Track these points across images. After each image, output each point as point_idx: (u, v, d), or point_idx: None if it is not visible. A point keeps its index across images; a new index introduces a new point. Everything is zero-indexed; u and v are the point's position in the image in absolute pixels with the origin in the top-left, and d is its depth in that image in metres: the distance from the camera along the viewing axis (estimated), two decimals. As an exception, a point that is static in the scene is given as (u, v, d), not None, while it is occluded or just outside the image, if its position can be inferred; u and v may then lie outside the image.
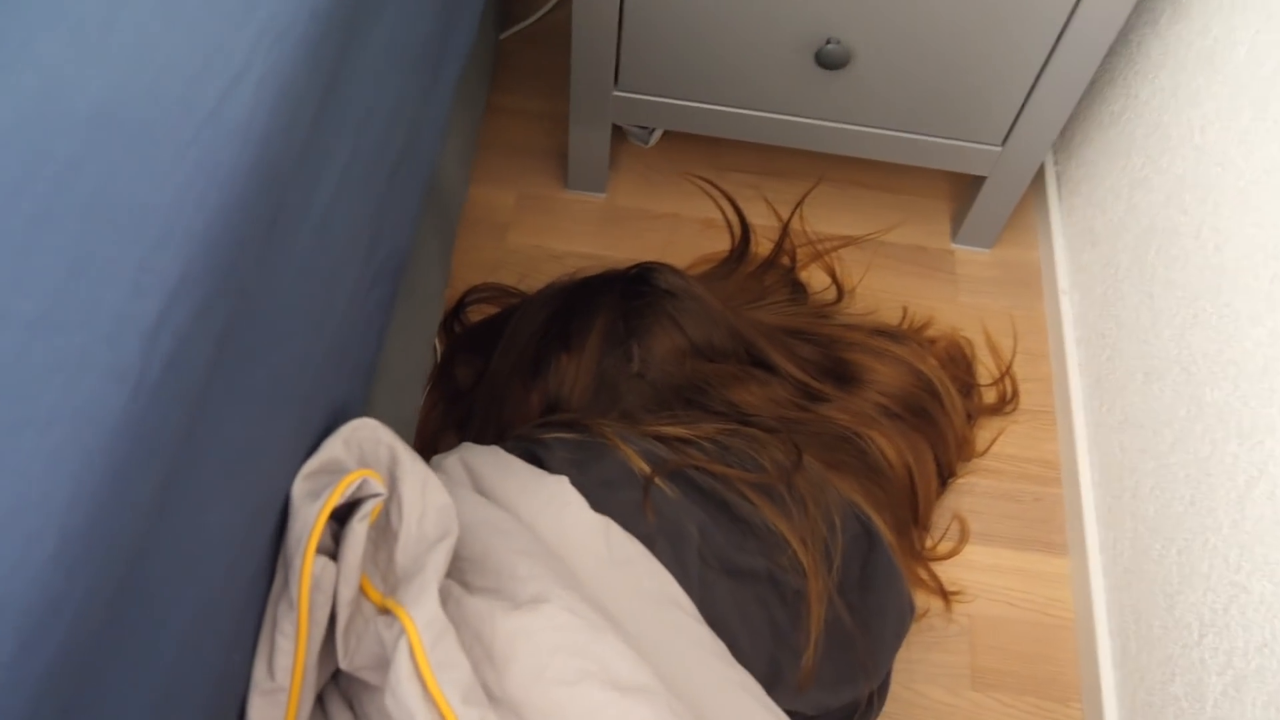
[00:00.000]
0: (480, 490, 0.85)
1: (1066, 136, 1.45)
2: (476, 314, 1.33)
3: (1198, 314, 1.08)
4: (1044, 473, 1.31)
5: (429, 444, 1.23)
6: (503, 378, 1.13)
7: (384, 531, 0.71)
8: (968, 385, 1.33)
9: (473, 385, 1.23)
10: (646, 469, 0.89)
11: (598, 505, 0.84)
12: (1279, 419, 0.92)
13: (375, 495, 0.67)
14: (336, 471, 0.68)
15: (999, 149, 1.30)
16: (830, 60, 1.20)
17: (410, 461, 0.73)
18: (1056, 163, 1.48)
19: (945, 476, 1.27)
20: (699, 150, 1.51)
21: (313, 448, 0.69)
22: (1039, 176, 1.51)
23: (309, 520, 0.63)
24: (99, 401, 0.47)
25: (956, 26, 1.16)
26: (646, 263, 1.17)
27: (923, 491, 1.19)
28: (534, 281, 1.37)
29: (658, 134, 1.49)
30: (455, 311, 1.33)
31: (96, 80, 0.51)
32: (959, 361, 1.35)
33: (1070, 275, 1.39)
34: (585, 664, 0.68)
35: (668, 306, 1.11)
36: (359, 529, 0.66)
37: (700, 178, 1.47)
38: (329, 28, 0.59)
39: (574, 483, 0.85)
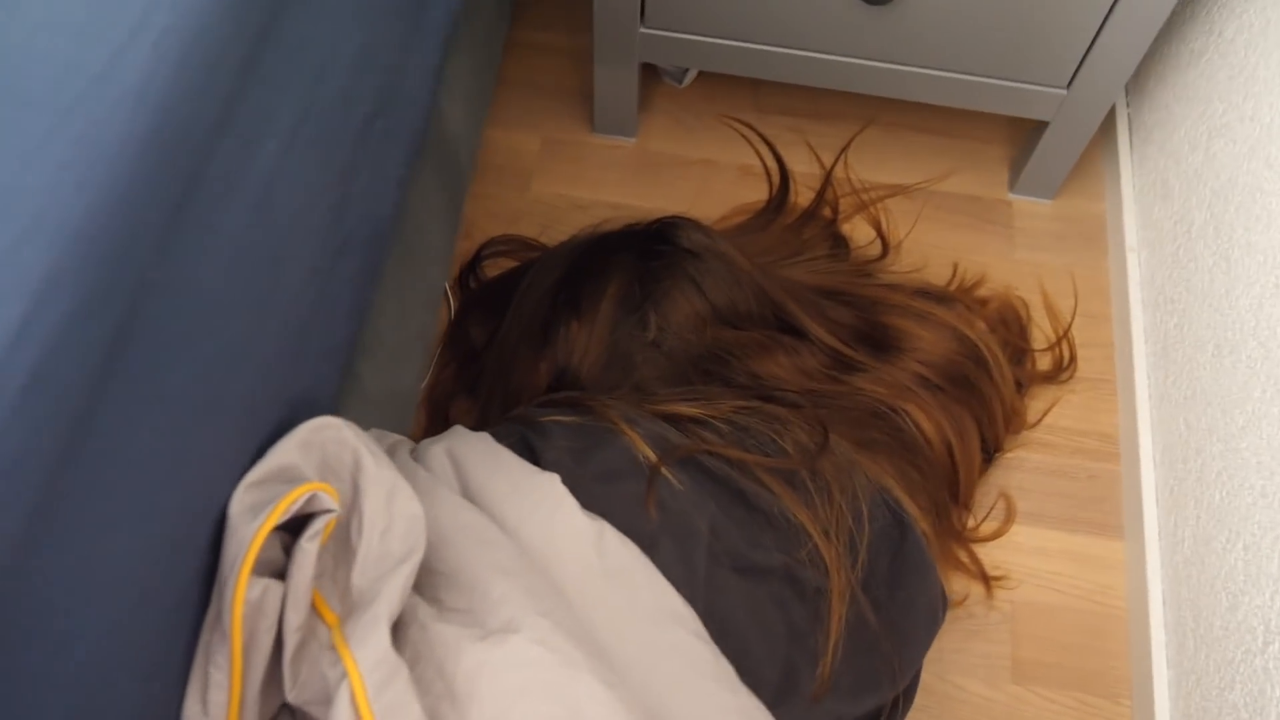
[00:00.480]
0: (465, 488, 0.78)
1: (1140, 77, 1.32)
2: (494, 268, 1.25)
3: (1280, 283, 0.97)
4: (1101, 448, 1.21)
5: (439, 409, 1.16)
6: (511, 344, 1.06)
7: (344, 545, 0.64)
8: (1020, 350, 1.23)
9: (485, 346, 1.15)
10: (653, 457, 0.81)
11: (594, 503, 0.76)
12: (1368, 410, 0.82)
13: (328, 511, 0.60)
14: (290, 480, 0.61)
15: (1064, 92, 1.18)
16: (876, -7, 1.08)
17: (376, 468, 0.66)
18: (1129, 105, 1.35)
19: (991, 451, 1.18)
20: (738, 91, 1.40)
21: (262, 450, 0.62)
22: (1108, 121, 1.38)
23: (245, 540, 0.56)
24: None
25: (1017, -43, 1.04)
26: (667, 217, 1.08)
27: (964, 469, 1.10)
28: (556, 233, 1.29)
29: (692, 74, 1.39)
30: (471, 265, 1.25)
31: (-41, 37, 0.44)
32: (1011, 324, 1.24)
33: (1139, 231, 1.27)
34: (552, 709, 0.60)
35: (688, 267, 1.02)
36: (308, 549, 0.59)
37: (737, 120, 1.37)
38: (255, -30, 0.51)
39: (568, 479, 0.77)
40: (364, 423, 0.86)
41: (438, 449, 0.82)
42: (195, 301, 0.52)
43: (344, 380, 0.81)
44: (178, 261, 0.50)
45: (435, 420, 1.16)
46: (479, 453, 0.80)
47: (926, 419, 1.05)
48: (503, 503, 0.75)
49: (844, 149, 1.35)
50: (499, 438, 0.83)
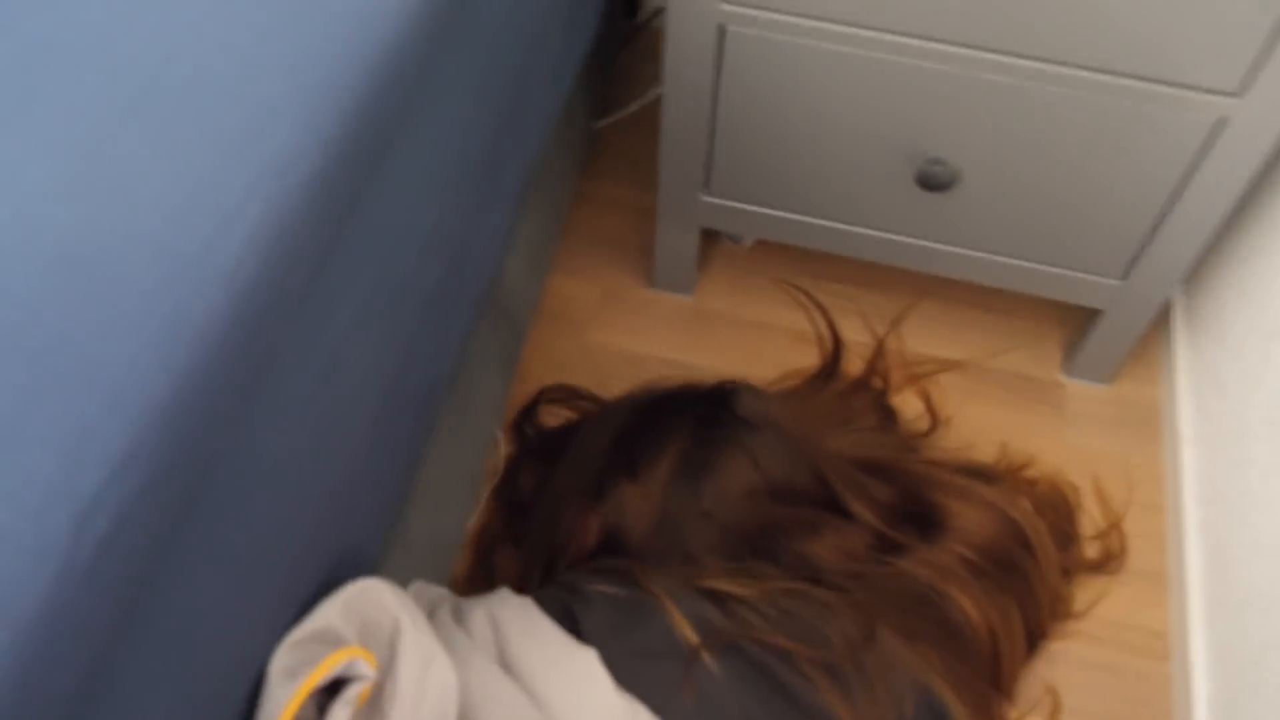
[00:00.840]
0: (503, 654, 0.78)
1: (1196, 266, 1.33)
2: (550, 416, 1.26)
3: (1338, 496, 0.95)
4: (1150, 644, 1.18)
5: (484, 554, 1.16)
6: (562, 495, 1.06)
7: (376, 708, 0.63)
8: (1067, 536, 1.21)
9: (535, 496, 1.16)
10: (694, 640, 0.81)
11: (630, 681, 0.76)
12: None
13: (364, 678, 0.60)
14: (330, 643, 0.62)
15: (1118, 283, 1.19)
16: (933, 181, 1.11)
17: (415, 633, 0.66)
18: (1184, 294, 1.36)
19: (1035, 638, 1.15)
20: (795, 256, 1.42)
21: (306, 606, 0.62)
22: (1164, 309, 1.38)
23: (281, 702, 0.56)
24: (17, 584, 0.41)
25: (1074, 154, 1.06)
26: (727, 383, 1.09)
27: (1007, 656, 1.08)
28: (609, 384, 1.30)
29: (752, 237, 1.42)
30: (526, 412, 1.26)
31: (67, 214, 0.46)
32: (1059, 508, 1.23)
33: (1194, 424, 1.26)
34: None
35: (746, 439, 1.03)
36: (341, 716, 0.59)
37: (793, 285, 1.39)
38: (346, 161, 0.53)
39: (606, 655, 0.77)
40: (405, 572, 0.86)
41: (480, 612, 0.82)
42: (257, 467, 0.53)
43: (391, 533, 0.82)
44: (245, 432, 0.51)
45: (479, 564, 1.15)
46: (519, 619, 0.80)
47: (971, 603, 1.04)
48: (538, 674, 0.75)
49: (895, 321, 1.36)
50: (542, 603, 0.83)
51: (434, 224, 0.68)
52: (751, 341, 1.36)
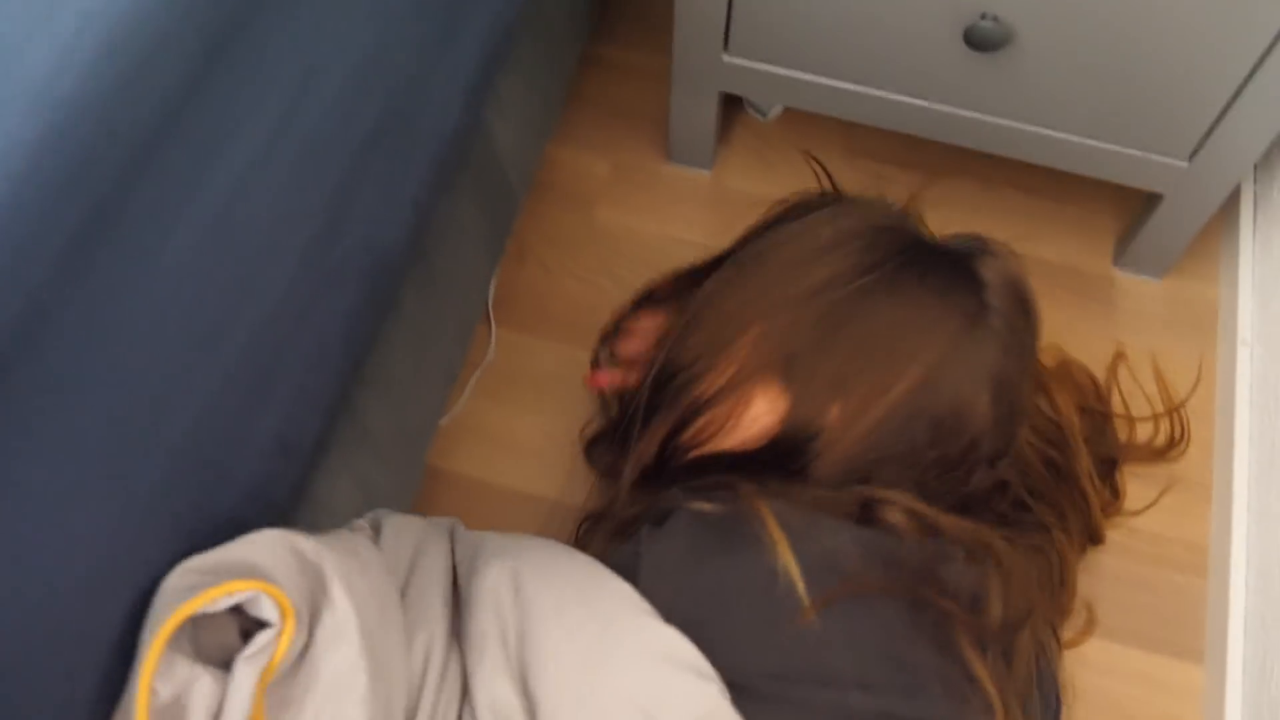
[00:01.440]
0: (521, 633, 0.64)
1: (1272, 153, 1.19)
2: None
3: None
4: (1189, 559, 1.09)
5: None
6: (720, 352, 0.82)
7: (289, 688, 0.54)
8: (1101, 417, 1.09)
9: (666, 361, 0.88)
10: (796, 576, 0.67)
11: (695, 627, 0.64)
12: None
13: (271, 625, 0.51)
14: (241, 574, 0.53)
15: (1184, 165, 1.06)
16: (983, 40, 0.98)
17: (345, 604, 0.55)
18: (1256, 183, 1.22)
19: (1092, 541, 1.05)
20: (827, 130, 1.30)
21: (211, 503, 0.54)
22: (1231, 197, 1.25)
23: (159, 621, 0.48)
24: None
25: (1143, 13, 0.93)
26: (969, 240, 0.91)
27: (1071, 577, 0.98)
28: (616, 266, 1.21)
29: (778, 108, 1.30)
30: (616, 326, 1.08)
31: None
32: (1085, 389, 1.10)
33: (1255, 325, 1.14)
34: None
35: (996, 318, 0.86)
36: (245, 673, 0.50)
37: (816, 160, 1.23)
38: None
39: (667, 599, 0.65)
40: (365, 462, 0.79)
41: (501, 569, 0.67)
42: (117, 332, 0.45)
43: (340, 417, 0.74)
44: (94, 284, 0.42)
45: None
46: (547, 586, 0.66)
47: (1068, 546, 0.94)
48: (558, 675, 0.63)
49: (916, 195, 1.14)
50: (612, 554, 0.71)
51: (370, 53, 0.58)
52: (773, 222, 1.25)
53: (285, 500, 0.64)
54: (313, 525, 0.73)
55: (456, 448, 1.11)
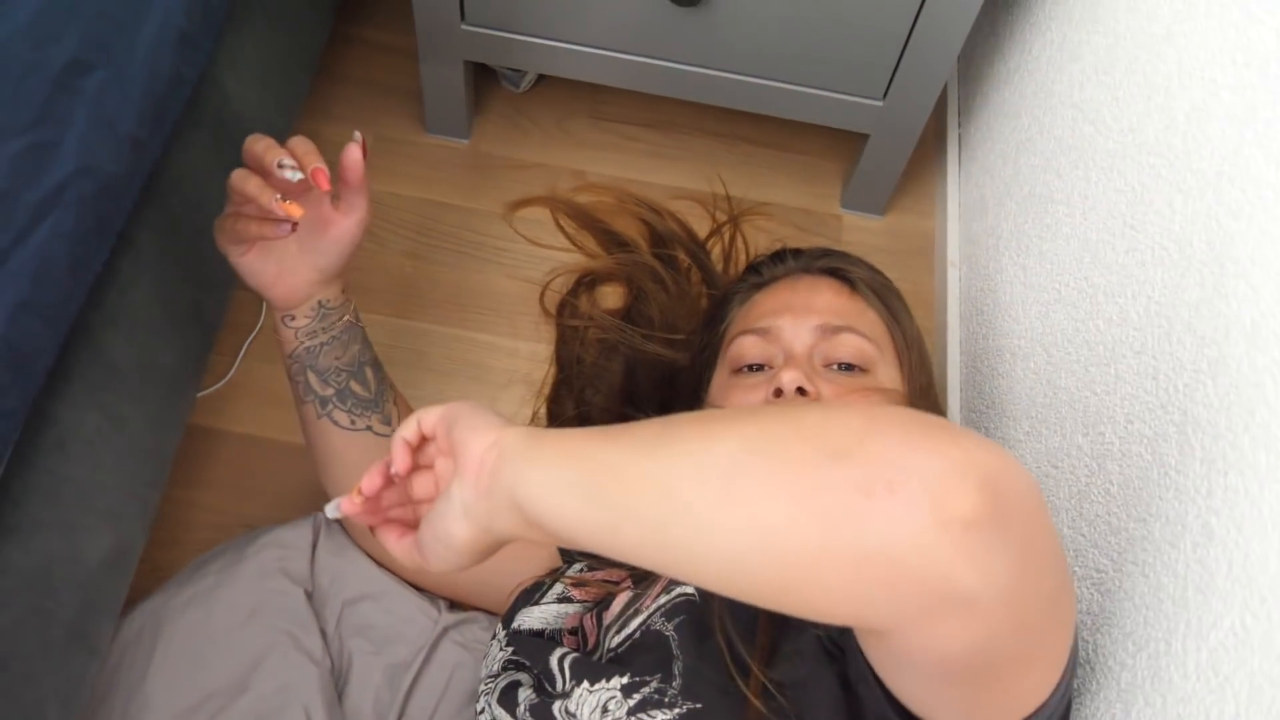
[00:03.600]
0: None
1: (969, 96, 1.34)
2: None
3: (1061, 289, 0.97)
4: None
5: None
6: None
7: None
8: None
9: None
10: None
11: None
12: (1119, 410, 0.82)
13: None
14: None
15: (880, 104, 1.19)
16: (682, -6, 1.08)
17: None
18: (960, 125, 1.37)
19: None
20: (575, 97, 1.40)
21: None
22: (940, 139, 1.40)
23: None
24: None
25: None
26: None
27: None
28: (386, 230, 1.27)
29: (530, 78, 1.38)
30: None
31: None
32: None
33: (960, 246, 1.28)
34: None
35: None
36: None
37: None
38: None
39: None
40: (111, 396, 0.83)
41: None
42: None
43: (81, 348, 0.79)
44: None
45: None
46: None
47: None
48: None
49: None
50: None
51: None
52: (531, 183, 1.33)
53: (17, 413, 0.68)
54: (61, 447, 0.78)
55: (232, 408, 1.16)
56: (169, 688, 0.89)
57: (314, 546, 0.98)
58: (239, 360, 1.18)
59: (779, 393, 0.83)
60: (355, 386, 0.89)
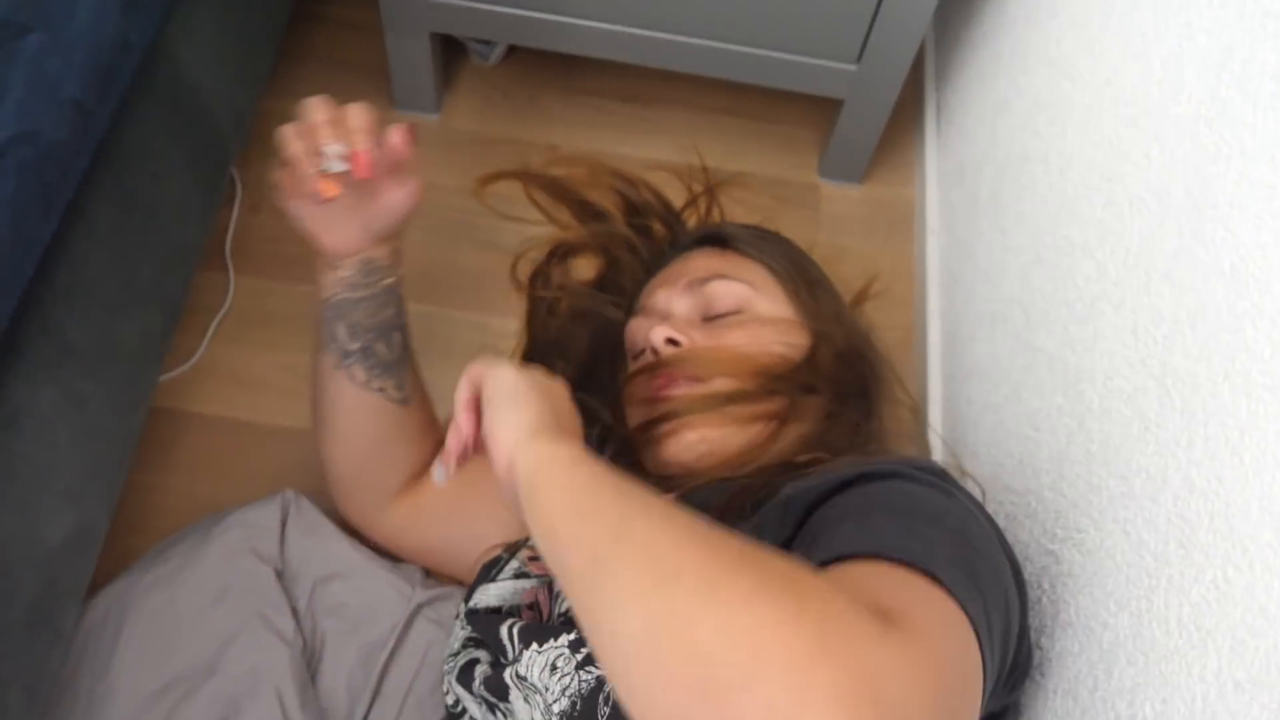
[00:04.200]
0: None
1: (946, 61, 1.32)
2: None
3: (1040, 249, 0.96)
4: (895, 430, 1.19)
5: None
6: None
7: None
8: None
9: None
10: None
11: None
12: (1099, 366, 0.80)
13: None
14: None
15: (854, 68, 1.17)
16: (654, -41, 1.06)
17: None
18: (938, 91, 1.35)
19: None
20: (548, 70, 1.37)
21: None
22: (918, 106, 1.38)
23: None
24: None
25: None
26: None
27: None
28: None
29: (500, 51, 1.36)
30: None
31: None
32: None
33: (940, 214, 1.26)
34: None
35: None
36: None
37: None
38: None
39: None
40: (68, 374, 0.81)
41: None
42: None
43: (32, 323, 0.76)
44: None
45: None
46: None
47: None
48: None
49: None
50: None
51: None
52: (502, 158, 1.31)
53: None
54: (13, 424, 0.76)
55: (199, 390, 1.13)
56: (135, 671, 0.87)
57: (283, 525, 0.96)
58: (206, 342, 1.16)
59: (654, 352, 0.89)
60: (380, 347, 0.89)
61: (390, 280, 0.88)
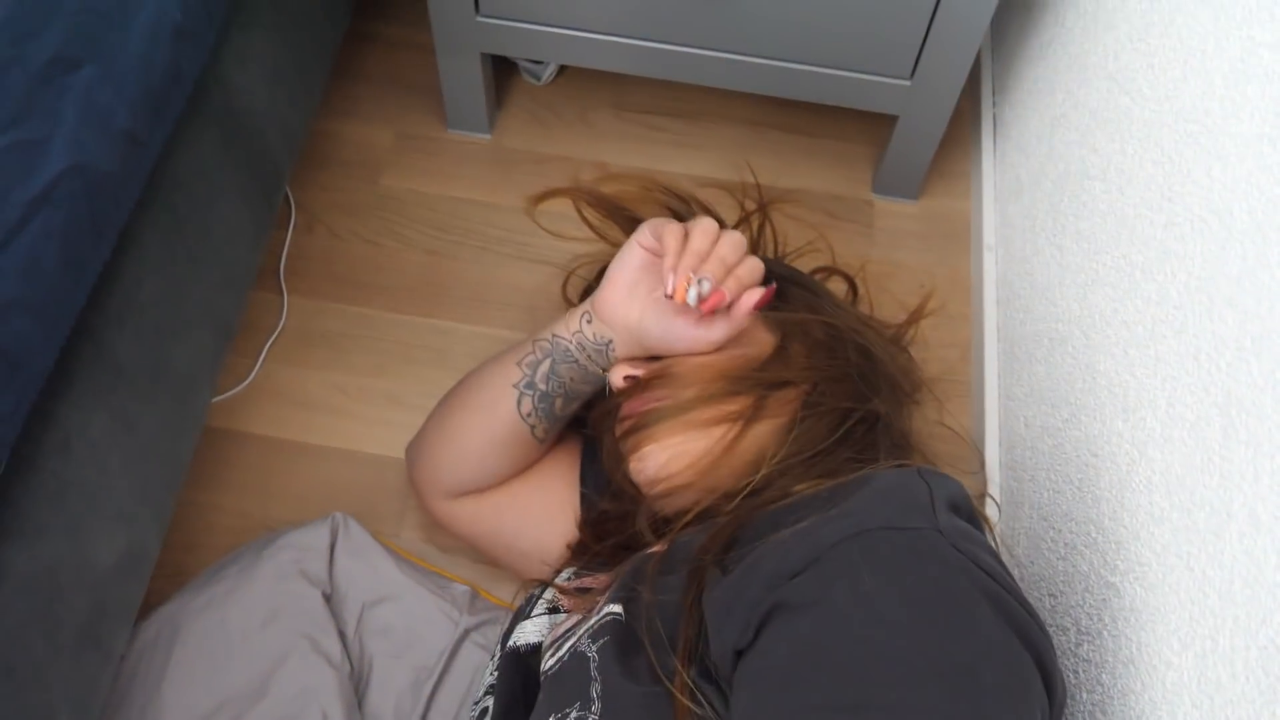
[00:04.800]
0: None
1: (1004, 75, 1.30)
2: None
3: (1099, 269, 0.93)
4: (952, 451, 1.17)
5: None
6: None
7: None
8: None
9: None
10: None
11: None
12: (1160, 393, 0.78)
13: None
14: None
15: (908, 83, 1.15)
16: (698, -23, 1.05)
17: None
18: (995, 104, 1.32)
19: None
20: (598, 89, 1.37)
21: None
22: (975, 119, 1.35)
23: None
24: None
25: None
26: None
27: None
28: (404, 228, 1.25)
29: (551, 71, 1.36)
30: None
31: None
32: None
33: (996, 230, 1.24)
34: None
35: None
36: None
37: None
38: None
39: None
40: (119, 398, 0.82)
41: None
42: None
43: (83, 347, 0.77)
44: None
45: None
46: None
47: None
48: None
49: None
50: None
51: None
52: (555, 176, 1.31)
53: (13, 415, 0.66)
54: (65, 449, 0.76)
55: (252, 410, 1.14)
56: (185, 692, 0.88)
57: (332, 548, 0.97)
58: (260, 362, 1.17)
59: (617, 392, 0.89)
60: (559, 403, 0.92)
61: (606, 372, 0.89)
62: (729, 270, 0.82)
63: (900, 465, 0.79)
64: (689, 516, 0.80)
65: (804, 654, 0.57)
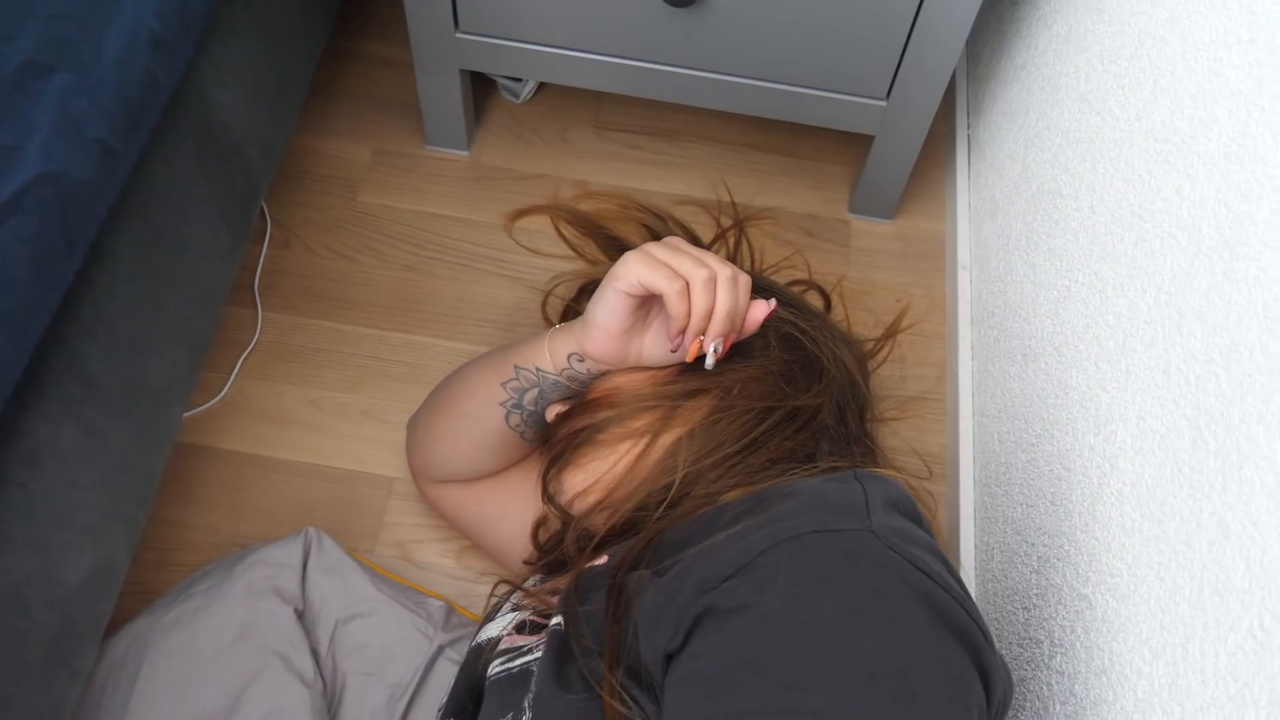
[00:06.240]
0: None
1: (978, 95, 1.31)
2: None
3: (1071, 286, 0.94)
4: (924, 468, 1.17)
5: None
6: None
7: None
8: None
9: None
10: None
11: None
12: (1131, 406, 0.78)
13: None
14: None
15: (884, 103, 1.16)
16: (676, -4, 1.06)
17: None
18: (970, 125, 1.34)
19: None
20: (578, 107, 1.38)
21: None
22: (950, 140, 1.36)
23: None
24: None
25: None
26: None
27: None
28: (381, 243, 1.25)
29: (530, 89, 1.36)
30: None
31: None
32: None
33: (971, 249, 1.25)
34: None
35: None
36: None
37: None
38: None
39: None
40: (90, 410, 0.81)
41: None
42: None
43: (54, 359, 0.77)
44: None
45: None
46: None
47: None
48: None
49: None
50: None
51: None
52: (533, 194, 1.31)
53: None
54: (34, 462, 0.76)
55: (225, 426, 1.14)
56: (153, 712, 0.86)
57: (305, 564, 0.96)
58: (232, 377, 1.16)
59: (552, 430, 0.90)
60: (543, 412, 0.92)
61: (586, 388, 0.89)
62: (733, 317, 0.81)
63: (834, 468, 0.79)
64: (603, 532, 0.81)
65: (734, 658, 0.56)
